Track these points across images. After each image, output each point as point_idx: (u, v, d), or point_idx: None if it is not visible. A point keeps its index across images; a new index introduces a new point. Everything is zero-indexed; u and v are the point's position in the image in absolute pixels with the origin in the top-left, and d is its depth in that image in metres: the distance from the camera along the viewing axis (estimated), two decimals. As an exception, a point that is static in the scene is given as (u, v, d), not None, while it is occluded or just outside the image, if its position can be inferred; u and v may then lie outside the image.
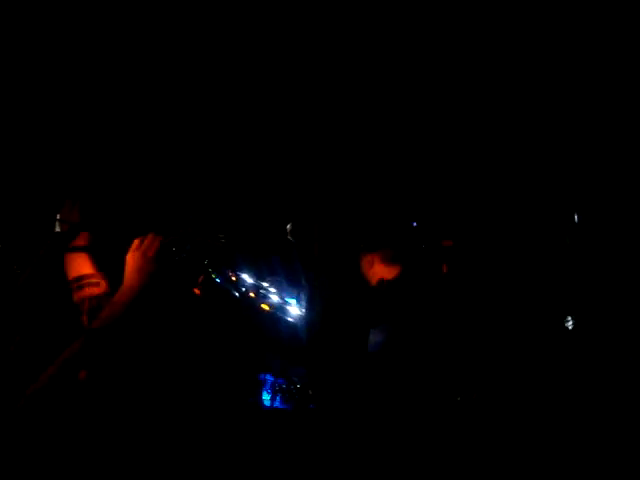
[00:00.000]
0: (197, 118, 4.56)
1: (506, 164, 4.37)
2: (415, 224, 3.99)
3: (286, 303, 3.94)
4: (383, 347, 3.26)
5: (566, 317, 3.17)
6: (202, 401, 3.66)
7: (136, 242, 3.40)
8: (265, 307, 3.88)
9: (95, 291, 3.60)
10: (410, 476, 3.12)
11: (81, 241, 3.62)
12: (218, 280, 3.96)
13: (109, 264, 3.58)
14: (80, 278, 3.62)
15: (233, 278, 4.08)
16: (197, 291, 3.60)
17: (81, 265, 3.63)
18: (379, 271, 3.46)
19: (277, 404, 3.74)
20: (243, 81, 4.37)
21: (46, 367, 2.92)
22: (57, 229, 3.64)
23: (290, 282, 4.02)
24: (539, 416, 2.93)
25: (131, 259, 3.31)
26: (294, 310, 3.85)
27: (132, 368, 3.56)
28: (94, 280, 3.64)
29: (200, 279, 3.75)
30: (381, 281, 3.46)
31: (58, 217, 3.57)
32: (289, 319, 3.83)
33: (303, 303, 3.79)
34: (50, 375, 3.03)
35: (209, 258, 4.04)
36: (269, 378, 3.82)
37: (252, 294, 3.98)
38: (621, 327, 3.10)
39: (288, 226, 4.14)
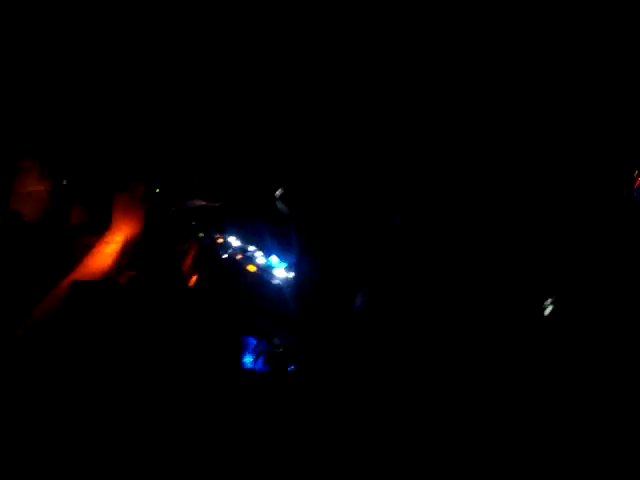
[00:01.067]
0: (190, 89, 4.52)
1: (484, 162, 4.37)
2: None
3: (272, 266, 3.93)
4: (363, 310, 3.26)
5: (544, 304, 3.17)
6: (184, 361, 3.65)
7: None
8: (251, 268, 3.87)
9: None
10: (389, 449, 3.13)
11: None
12: (205, 241, 3.95)
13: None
14: None
15: (220, 240, 4.07)
16: (179, 248, 3.60)
17: None
18: None
19: (259, 366, 3.73)
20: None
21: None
22: None
23: (278, 246, 4.01)
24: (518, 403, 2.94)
25: (118, 201, 3.32)
26: (280, 273, 3.84)
27: (117, 324, 3.56)
28: None
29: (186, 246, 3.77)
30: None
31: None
32: (275, 281, 3.82)
33: (291, 266, 3.78)
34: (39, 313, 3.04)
35: (197, 219, 4.02)
36: (252, 341, 3.81)
37: (239, 256, 3.97)
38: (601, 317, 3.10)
39: (277, 191, 4.13)
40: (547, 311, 3.15)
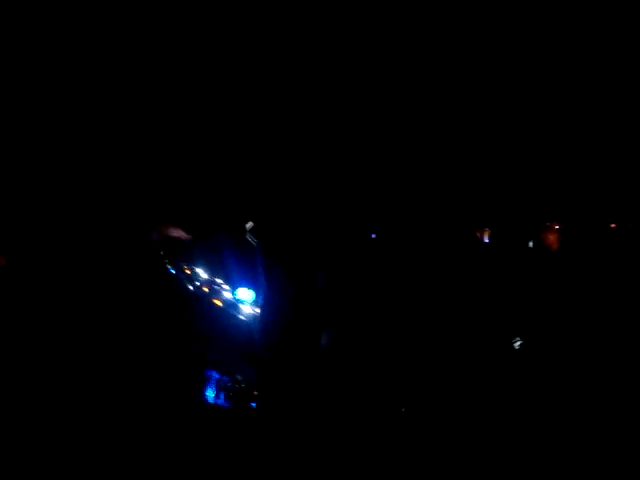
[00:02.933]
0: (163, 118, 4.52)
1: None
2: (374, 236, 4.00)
3: (239, 301, 3.91)
4: (328, 349, 3.25)
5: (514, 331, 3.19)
6: (145, 392, 3.60)
7: None
8: (217, 303, 3.85)
9: None
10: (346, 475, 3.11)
11: None
12: (172, 271, 3.92)
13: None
14: None
15: (188, 272, 4.04)
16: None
17: None
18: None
19: (220, 402, 3.68)
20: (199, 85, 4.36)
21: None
22: None
23: (247, 279, 3.99)
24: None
25: None
26: (246, 309, 3.82)
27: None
28: None
29: None
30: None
31: None
32: (241, 317, 3.80)
33: (258, 302, 3.76)
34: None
35: (166, 249, 4.00)
36: (215, 375, 3.76)
37: (206, 289, 3.94)
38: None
39: (248, 225, 4.12)
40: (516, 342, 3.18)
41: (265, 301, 3.21)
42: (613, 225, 3.55)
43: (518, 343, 3.12)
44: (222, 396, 3.70)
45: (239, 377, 3.68)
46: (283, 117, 3.85)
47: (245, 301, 3.89)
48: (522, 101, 4.42)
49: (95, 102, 4.18)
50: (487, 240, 4.11)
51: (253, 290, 3.95)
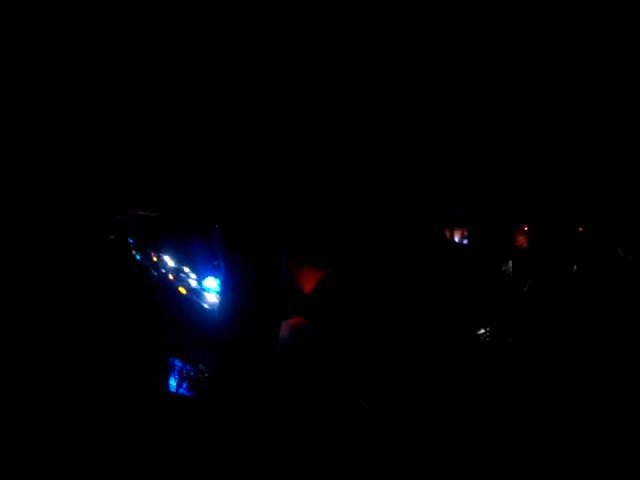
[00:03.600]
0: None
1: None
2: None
3: (204, 290, 3.88)
4: (289, 343, 3.22)
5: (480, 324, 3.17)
6: (109, 379, 3.57)
7: None
8: (182, 290, 3.82)
9: None
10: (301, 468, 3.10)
11: None
12: (138, 257, 3.89)
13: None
14: None
15: (155, 259, 4.01)
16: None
17: None
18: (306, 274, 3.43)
19: (182, 390, 3.66)
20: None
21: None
22: None
23: (211, 269, 3.96)
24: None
25: None
26: (211, 297, 3.79)
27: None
28: None
29: None
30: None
31: None
32: (205, 305, 3.77)
33: (222, 291, 3.73)
34: None
35: (133, 235, 3.96)
36: (177, 363, 3.73)
37: (171, 276, 3.91)
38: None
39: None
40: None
41: (224, 288, 3.18)
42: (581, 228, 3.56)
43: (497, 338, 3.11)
44: (184, 385, 3.68)
45: (202, 366, 3.65)
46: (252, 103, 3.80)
47: (211, 289, 3.87)
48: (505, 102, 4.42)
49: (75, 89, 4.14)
50: (460, 240, 4.12)
51: (218, 279, 3.93)
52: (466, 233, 4.11)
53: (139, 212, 3.96)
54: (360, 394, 3.19)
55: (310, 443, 3.05)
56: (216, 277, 3.94)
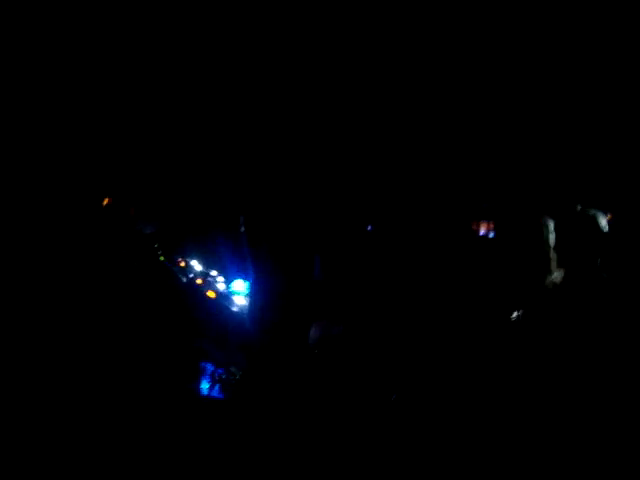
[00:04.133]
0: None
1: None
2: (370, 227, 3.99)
3: (232, 293, 3.92)
4: (319, 341, 3.26)
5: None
6: (141, 384, 3.62)
7: None
8: (211, 294, 3.85)
9: None
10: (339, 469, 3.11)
11: None
12: (167, 264, 3.93)
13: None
14: None
15: (182, 264, 4.05)
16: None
17: None
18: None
19: (214, 393, 3.69)
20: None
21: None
22: None
23: (239, 271, 4.00)
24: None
25: None
26: (240, 300, 3.82)
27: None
28: None
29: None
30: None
31: None
32: (234, 308, 3.81)
33: (251, 293, 3.76)
34: None
35: (160, 242, 4.01)
36: (209, 367, 3.77)
37: (199, 281, 3.95)
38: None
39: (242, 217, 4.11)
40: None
41: (254, 291, 3.20)
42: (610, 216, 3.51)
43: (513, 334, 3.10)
44: (216, 388, 3.72)
45: (233, 369, 3.68)
46: (270, 106, 3.82)
47: (239, 292, 3.90)
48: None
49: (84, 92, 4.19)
50: (485, 233, 4.10)
51: (247, 281, 3.96)
52: (492, 226, 4.10)
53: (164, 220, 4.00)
54: (392, 391, 3.21)
55: (342, 441, 3.08)
56: (244, 280, 3.97)
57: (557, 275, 3.01)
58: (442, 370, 3.18)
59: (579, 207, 3.18)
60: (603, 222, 3.03)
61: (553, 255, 3.07)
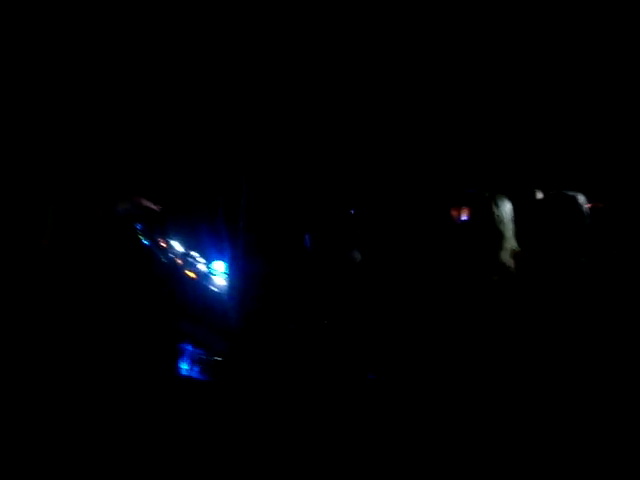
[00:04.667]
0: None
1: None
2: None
3: (213, 273, 3.90)
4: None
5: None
6: (120, 364, 3.59)
7: None
8: (191, 274, 3.83)
9: None
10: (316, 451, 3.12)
11: None
12: (146, 243, 3.89)
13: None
14: None
15: (163, 244, 4.01)
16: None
17: None
18: None
19: (194, 374, 3.68)
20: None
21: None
22: None
23: (219, 252, 3.98)
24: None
25: None
26: (220, 281, 3.80)
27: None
28: None
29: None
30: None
31: None
32: (214, 289, 3.79)
33: (232, 274, 3.75)
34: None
35: (141, 222, 3.96)
36: (189, 348, 3.75)
37: (180, 261, 3.92)
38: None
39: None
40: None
41: (234, 273, 3.18)
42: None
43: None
44: (196, 369, 3.70)
45: (214, 349, 3.67)
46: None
47: (219, 273, 3.88)
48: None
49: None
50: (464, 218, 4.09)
51: (224, 262, 3.94)
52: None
53: (144, 202, 3.94)
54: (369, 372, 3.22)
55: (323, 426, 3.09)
56: (224, 261, 3.96)
57: (510, 252, 3.01)
58: (417, 352, 3.18)
59: (555, 190, 3.17)
60: (583, 203, 3.03)
61: (507, 232, 3.07)
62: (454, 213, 3.65)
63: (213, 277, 3.82)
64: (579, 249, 2.94)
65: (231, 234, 3.33)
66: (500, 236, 3.09)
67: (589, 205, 3.13)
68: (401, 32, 4.27)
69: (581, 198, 3.01)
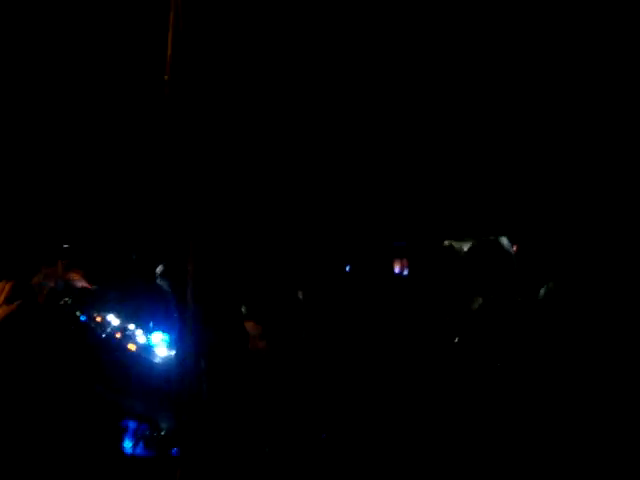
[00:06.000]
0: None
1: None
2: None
3: (153, 345, 3.82)
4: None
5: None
6: (62, 447, 3.45)
7: None
8: (131, 347, 3.74)
9: None
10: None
11: None
12: (82, 319, 3.80)
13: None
14: None
15: (98, 319, 3.92)
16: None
17: None
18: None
19: (139, 451, 3.55)
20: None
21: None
22: None
23: (160, 323, 3.91)
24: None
25: None
26: (162, 351, 3.73)
27: None
28: None
29: None
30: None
31: None
32: (156, 360, 3.70)
33: (173, 345, 3.67)
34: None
35: (73, 297, 3.87)
36: (132, 424, 3.63)
37: (118, 335, 3.83)
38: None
39: (158, 269, 4.03)
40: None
41: (180, 346, 3.11)
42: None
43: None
44: (141, 445, 3.58)
45: (158, 424, 3.57)
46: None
47: (158, 345, 3.80)
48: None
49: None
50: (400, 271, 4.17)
51: (167, 333, 3.86)
52: (406, 264, 4.19)
53: (76, 282, 3.86)
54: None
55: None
56: (163, 332, 3.89)
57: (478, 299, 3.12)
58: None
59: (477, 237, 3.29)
60: (507, 245, 3.15)
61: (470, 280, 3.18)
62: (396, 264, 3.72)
63: (153, 348, 3.74)
64: (513, 290, 3.05)
65: (176, 304, 3.25)
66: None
67: (514, 247, 3.26)
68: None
69: (505, 241, 3.14)
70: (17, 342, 3.48)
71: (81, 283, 3.75)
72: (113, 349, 3.73)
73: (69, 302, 3.85)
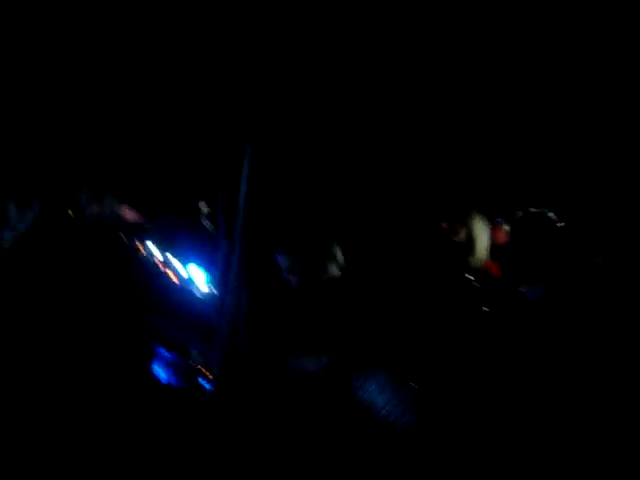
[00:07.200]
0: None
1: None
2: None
3: (192, 281, 3.87)
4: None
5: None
6: (95, 364, 3.54)
7: None
8: (173, 278, 3.79)
9: None
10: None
11: None
12: (129, 246, 3.84)
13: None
14: None
15: (141, 247, 3.97)
16: None
17: None
18: None
19: (170, 379, 3.64)
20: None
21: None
22: None
23: (198, 258, 3.96)
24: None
25: None
26: (204, 287, 3.78)
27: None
28: None
29: None
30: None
31: None
32: (197, 295, 3.76)
33: (214, 282, 3.72)
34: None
35: (120, 224, 3.89)
36: (163, 351, 3.70)
37: (158, 262, 3.89)
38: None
39: (202, 207, 4.06)
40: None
41: (226, 289, 3.12)
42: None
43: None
44: (171, 373, 3.66)
45: (193, 353, 3.62)
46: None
47: (199, 281, 3.86)
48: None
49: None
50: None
51: (204, 269, 3.90)
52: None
53: (126, 215, 3.89)
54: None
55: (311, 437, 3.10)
56: (201, 267, 3.94)
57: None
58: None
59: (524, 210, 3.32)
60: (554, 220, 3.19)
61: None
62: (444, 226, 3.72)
63: (195, 283, 3.80)
64: (558, 266, 3.07)
65: (217, 246, 3.28)
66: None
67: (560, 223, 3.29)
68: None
69: (551, 215, 3.19)
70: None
71: (131, 216, 3.78)
72: (157, 276, 3.79)
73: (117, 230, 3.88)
